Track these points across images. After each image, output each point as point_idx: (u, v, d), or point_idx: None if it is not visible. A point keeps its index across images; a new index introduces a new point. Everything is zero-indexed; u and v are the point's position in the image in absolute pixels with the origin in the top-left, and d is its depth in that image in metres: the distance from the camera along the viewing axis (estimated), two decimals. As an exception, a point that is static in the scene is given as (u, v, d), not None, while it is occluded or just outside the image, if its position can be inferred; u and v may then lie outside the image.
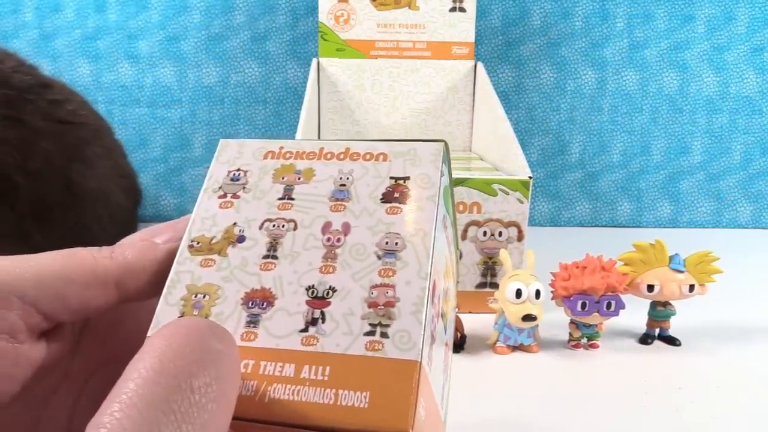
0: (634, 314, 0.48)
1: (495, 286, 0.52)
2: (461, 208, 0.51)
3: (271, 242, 0.21)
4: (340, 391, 0.18)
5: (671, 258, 0.47)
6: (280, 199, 0.23)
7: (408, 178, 0.23)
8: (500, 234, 0.52)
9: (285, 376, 0.18)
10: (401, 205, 0.22)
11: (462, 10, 0.72)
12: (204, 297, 0.20)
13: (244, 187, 0.23)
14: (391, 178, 0.23)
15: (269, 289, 0.20)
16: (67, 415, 0.20)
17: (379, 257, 0.21)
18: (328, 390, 0.18)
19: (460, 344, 0.48)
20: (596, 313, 0.45)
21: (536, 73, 0.83)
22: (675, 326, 0.49)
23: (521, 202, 0.51)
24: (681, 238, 0.78)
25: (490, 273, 0.53)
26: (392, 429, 0.17)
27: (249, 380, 0.18)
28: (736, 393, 0.41)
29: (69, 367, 0.20)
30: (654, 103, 0.84)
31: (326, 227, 0.22)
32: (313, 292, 0.20)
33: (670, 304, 0.48)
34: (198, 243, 0.21)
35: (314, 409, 0.17)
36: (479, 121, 0.73)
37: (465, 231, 0.52)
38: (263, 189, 0.23)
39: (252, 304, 0.20)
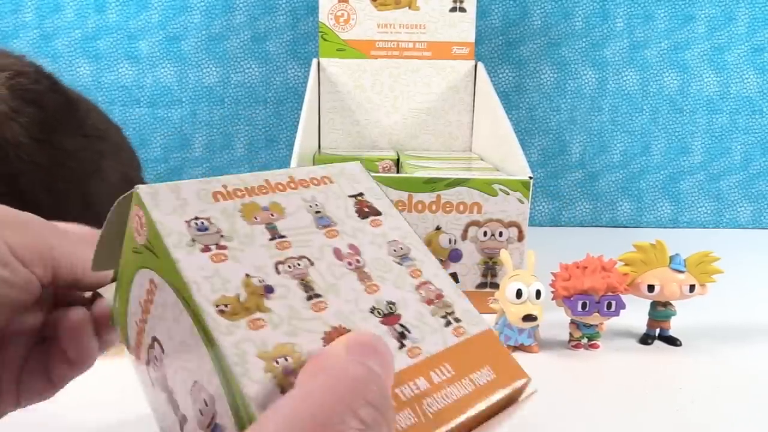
0: (635, 314, 0.48)
1: (495, 286, 0.52)
2: (461, 208, 0.51)
3: (300, 283, 0.21)
4: (471, 376, 0.20)
5: (671, 258, 0.47)
6: (271, 239, 0.22)
7: (362, 194, 0.26)
8: (501, 234, 0.52)
9: (425, 390, 0.19)
10: (377, 217, 0.25)
11: (462, 10, 0.72)
12: (287, 360, 0.18)
13: (221, 236, 0.21)
14: (350, 196, 0.25)
15: (340, 326, 0.20)
16: (18, 365, 0.24)
17: (399, 264, 0.23)
18: (462, 380, 0.20)
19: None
20: (597, 313, 0.45)
21: (536, 73, 0.83)
22: (675, 326, 0.49)
23: (521, 202, 0.51)
24: (681, 238, 0.78)
25: (490, 273, 0.53)
26: (524, 381, 0.22)
27: (402, 410, 0.19)
28: (736, 393, 0.41)
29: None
30: (654, 103, 0.84)
31: (338, 253, 0.23)
32: (379, 312, 0.21)
33: (670, 304, 0.48)
34: (226, 306, 0.19)
35: (467, 399, 0.20)
36: (479, 121, 0.73)
37: (465, 231, 0.52)
38: (245, 233, 0.22)
39: None
